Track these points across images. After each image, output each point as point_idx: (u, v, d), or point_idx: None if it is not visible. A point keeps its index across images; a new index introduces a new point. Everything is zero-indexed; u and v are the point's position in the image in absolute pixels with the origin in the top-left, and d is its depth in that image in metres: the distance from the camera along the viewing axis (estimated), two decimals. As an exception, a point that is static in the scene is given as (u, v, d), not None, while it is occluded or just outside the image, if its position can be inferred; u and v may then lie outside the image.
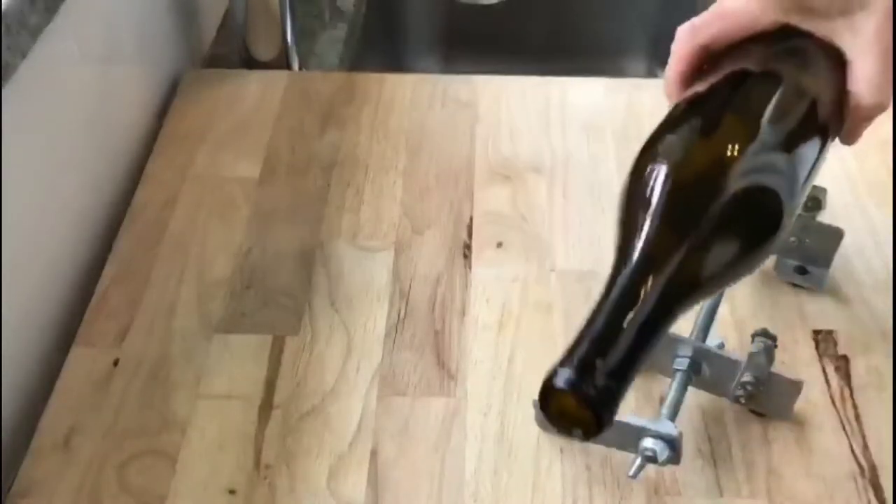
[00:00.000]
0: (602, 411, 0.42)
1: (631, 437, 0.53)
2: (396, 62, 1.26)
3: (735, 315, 0.65)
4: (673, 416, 0.55)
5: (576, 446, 0.58)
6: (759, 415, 0.60)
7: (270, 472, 0.57)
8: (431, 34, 1.27)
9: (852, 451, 0.58)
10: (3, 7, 0.55)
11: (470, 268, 0.69)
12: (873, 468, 0.57)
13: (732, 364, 0.57)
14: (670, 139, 0.50)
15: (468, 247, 0.71)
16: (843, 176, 0.76)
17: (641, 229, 0.47)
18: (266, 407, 0.60)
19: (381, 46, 1.21)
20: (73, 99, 0.69)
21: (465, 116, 0.83)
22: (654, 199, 0.47)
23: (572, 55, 1.26)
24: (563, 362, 0.43)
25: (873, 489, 0.56)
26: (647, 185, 0.48)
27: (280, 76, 0.88)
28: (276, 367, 0.62)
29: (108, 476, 0.56)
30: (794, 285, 0.67)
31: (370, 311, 0.66)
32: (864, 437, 0.58)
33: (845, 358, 0.63)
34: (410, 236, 0.72)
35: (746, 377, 0.57)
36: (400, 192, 0.75)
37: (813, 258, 0.66)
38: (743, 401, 0.59)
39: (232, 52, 0.95)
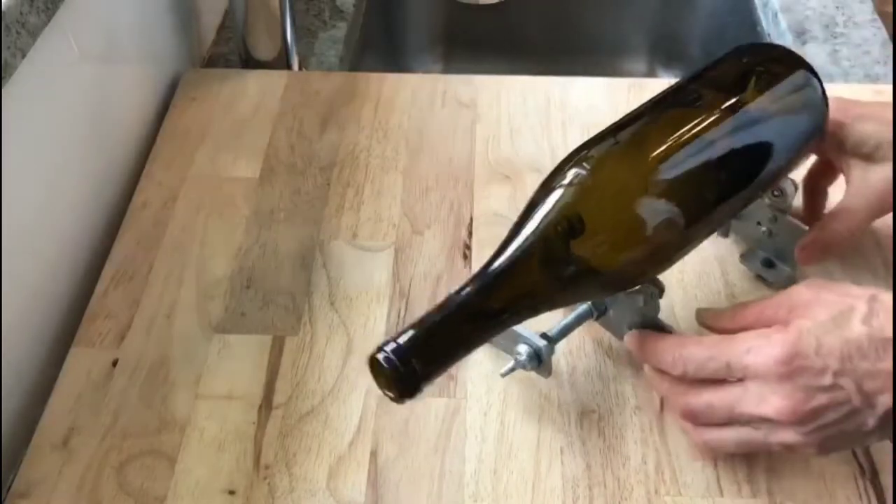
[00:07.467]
0: (405, 392, 0.48)
1: (511, 342, 0.57)
2: (396, 62, 1.26)
3: (735, 315, 0.65)
4: (558, 336, 0.58)
5: (576, 447, 0.58)
6: None
7: (270, 473, 0.57)
8: (431, 34, 1.27)
9: (852, 451, 0.57)
10: (3, 7, 0.55)
11: (470, 268, 0.69)
12: (873, 468, 0.57)
13: (628, 306, 0.58)
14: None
15: (468, 247, 0.71)
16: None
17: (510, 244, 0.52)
18: (266, 407, 0.60)
19: (381, 46, 1.21)
20: (72, 99, 0.69)
21: (465, 116, 0.83)
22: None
23: (572, 55, 1.26)
24: (392, 339, 0.47)
25: (873, 489, 0.56)
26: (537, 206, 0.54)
27: (280, 76, 0.88)
28: (276, 367, 0.62)
29: (107, 476, 0.56)
30: (759, 277, 0.67)
31: (370, 311, 0.66)
32: (864, 437, 0.58)
33: (845, 358, 0.63)
34: (410, 236, 0.72)
35: (634, 319, 0.58)
36: (400, 192, 0.75)
37: (781, 254, 0.66)
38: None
39: (232, 51, 0.95)
